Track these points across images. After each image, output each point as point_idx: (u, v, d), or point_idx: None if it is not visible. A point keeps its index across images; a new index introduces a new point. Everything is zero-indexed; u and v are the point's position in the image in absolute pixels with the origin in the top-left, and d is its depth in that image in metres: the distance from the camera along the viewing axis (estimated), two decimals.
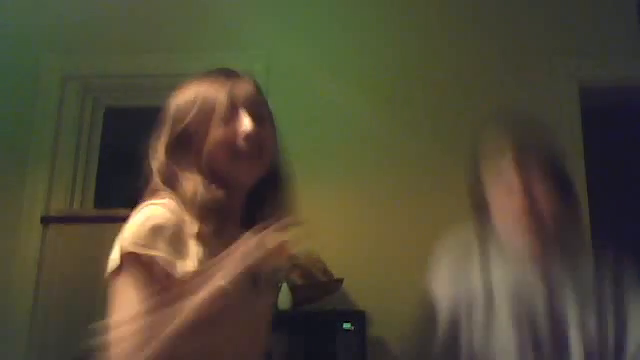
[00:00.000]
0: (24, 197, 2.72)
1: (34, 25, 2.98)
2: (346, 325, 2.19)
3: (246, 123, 1.10)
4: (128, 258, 1.02)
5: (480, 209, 1.38)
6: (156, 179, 1.13)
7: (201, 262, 1.04)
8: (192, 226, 1.07)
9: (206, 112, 1.10)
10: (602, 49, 2.73)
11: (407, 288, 2.55)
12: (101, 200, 2.88)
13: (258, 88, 1.18)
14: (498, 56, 2.76)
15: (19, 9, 2.99)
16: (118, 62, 2.90)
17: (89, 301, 2.55)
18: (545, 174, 1.31)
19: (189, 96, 1.14)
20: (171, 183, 1.11)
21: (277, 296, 2.24)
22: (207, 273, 1.00)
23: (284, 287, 2.25)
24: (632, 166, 3.23)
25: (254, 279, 1.08)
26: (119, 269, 1.03)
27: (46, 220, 2.69)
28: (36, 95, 2.86)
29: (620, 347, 1.25)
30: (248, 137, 1.09)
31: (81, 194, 2.85)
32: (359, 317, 2.24)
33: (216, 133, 1.09)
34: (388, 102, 2.75)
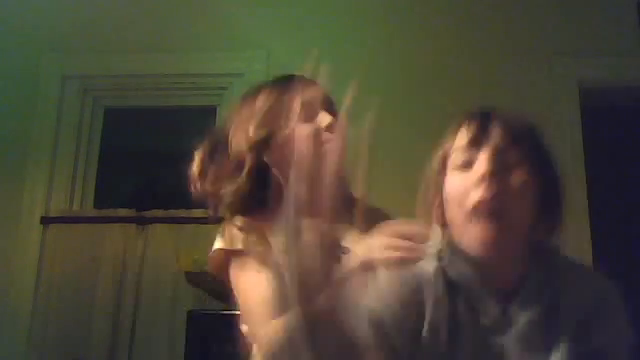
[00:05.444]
0: (24, 197, 2.72)
1: (34, 25, 2.97)
2: None
3: (327, 118, 1.25)
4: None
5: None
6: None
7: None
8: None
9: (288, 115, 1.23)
10: (602, 49, 2.72)
11: None
12: (101, 200, 2.88)
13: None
14: (498, 56, 2.76)
15: (19, 9, 2.99)
16: (118, 62, 2.89)
17: (89, 301, 2.56)
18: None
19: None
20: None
21: None
22: None
23: None
24: (632, 166, 3.23)
25: None
26: None
27: (46, 220, 2.69)
28: (36, 95, 2.86)
29: None
30: (330, 128, 1.23)
31: (81, 194, 2.84)
32: None
33: (300, 129, 1.16)
34: (388, 102, 2.75)
